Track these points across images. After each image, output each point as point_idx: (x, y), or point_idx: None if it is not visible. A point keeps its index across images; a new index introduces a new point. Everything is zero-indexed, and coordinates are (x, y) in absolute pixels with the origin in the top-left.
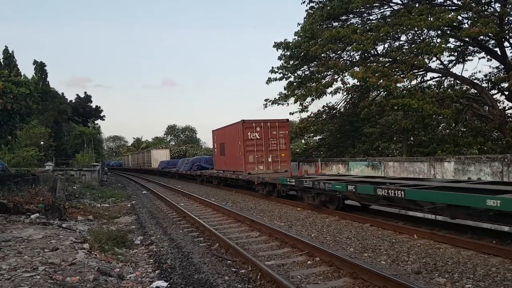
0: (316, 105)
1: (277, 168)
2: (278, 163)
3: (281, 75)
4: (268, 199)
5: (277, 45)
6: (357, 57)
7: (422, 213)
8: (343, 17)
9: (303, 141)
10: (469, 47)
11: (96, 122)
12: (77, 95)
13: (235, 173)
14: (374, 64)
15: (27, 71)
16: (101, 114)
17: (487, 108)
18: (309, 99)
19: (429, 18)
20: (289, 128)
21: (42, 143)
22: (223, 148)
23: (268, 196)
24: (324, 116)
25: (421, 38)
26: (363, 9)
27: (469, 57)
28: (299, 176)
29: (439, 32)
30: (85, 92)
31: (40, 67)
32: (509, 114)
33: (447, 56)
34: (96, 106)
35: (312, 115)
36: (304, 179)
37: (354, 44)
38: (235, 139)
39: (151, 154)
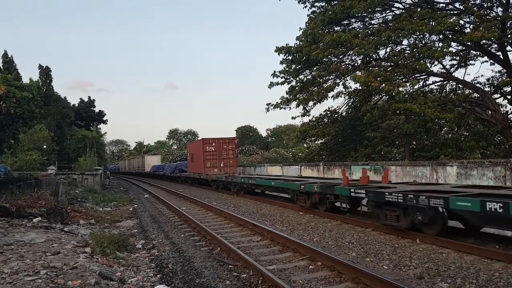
0: (318, 109)
1: (226, 171)
2: (228, 167)
3: (283, 79)
4: (271, 203)
5: (279, 50)
6: (359, 61)
7: None
8: (345, 22)
9: (305, 145)
10: (471, 51)
11: (99, 126)
12: (81, 99)
13: (199, 174)
14: (376, 68)
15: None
16: (104, 118)
17: (489, 112)
18: (311, 103)
19: (431, 23)
20: (235, 143)
21: (44, 147)
22: (192, 157)
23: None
24: (326, 120)
25: (423, 42)
26: (364, 14)
27: (471, 61)
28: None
29: (441, 36)
30: (89, 97)
31: (45, 72)
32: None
33: (449, 60)
34: (99, 110)
35: (314, 119)
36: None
37: (356, 48)
38: (199, 151)
39: (145, 159)
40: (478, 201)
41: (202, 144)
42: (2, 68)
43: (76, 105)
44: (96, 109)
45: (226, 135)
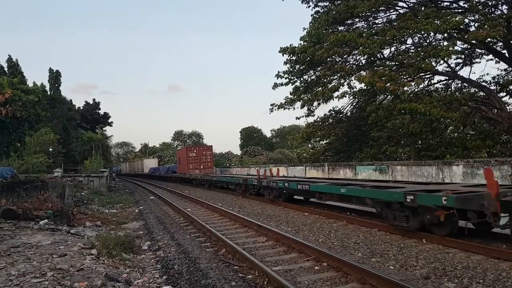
0: (322, 109)
1: (205, 171)
2: (206, 169)
3: (287, 80)
4: (274, 204)
5: (283, 50)
6: (364, 61)
7: None
8: (349, 21)
9: (309, 145)
10: (477, 49)
11: (104, 128)
12: (86, 101)
13: (184, 174)
14: (381, 68)
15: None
16: (109, 121)
17: (495, 111)
18: (315, 103)
19: (436, 22)
20: (212, 150)
21: (51, 149)
22: (179, 160)
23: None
24: (331, 121)
25: (428, 41)
26: (368, 13)
27: (477, 60)
28: None
29: (445, 35)
30: (94, 99)
31: (54, 76)
32: None
33: (454, 59)
34: (104, 112)
35: (318, 119)
36: None
37: (361, 48)
38: (184, 156)
39: (143, 162)
40: None
41: (186, 151)
42: (7, 72)
43: (82, 107)
44: (101, 112)
45: (230, 136)
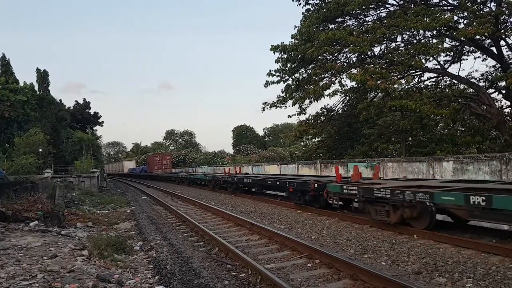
0: (314, 107)
1: (166, 171)
2: (167, 169)
3: (279, 78)
4: (268, 202)
5: (274, 48)
6: (354, 59)
7: None
8: (339, 19)
9: (302, 143)
10: (465, 46)
11: (94, 128)
12: (76, 101)
13: (151, 173)
14: (372, 66)
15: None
16: (100, 120)
17: (484, 107)
18: (307, 101)
19: (425, 19)
20: (171, 156)
21: (40, 150)
22: (149, 163)
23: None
24: (323, 118)
25: (418, 39)
26: (359, 11)
27: (465, 57)
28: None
29: (435, 32)
30: (84, 99)
31: (42, 75)
32: (506, 113)
33: (443, 56)
34: (95, 112)
35: (310, 117)
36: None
37: (351, 46)
38: (152, 160)
39: (123, 163)
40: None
41: (152, 157)
42: (0, 71)
43: (72, 107)
44: (91, 111)
45: (223, 134)
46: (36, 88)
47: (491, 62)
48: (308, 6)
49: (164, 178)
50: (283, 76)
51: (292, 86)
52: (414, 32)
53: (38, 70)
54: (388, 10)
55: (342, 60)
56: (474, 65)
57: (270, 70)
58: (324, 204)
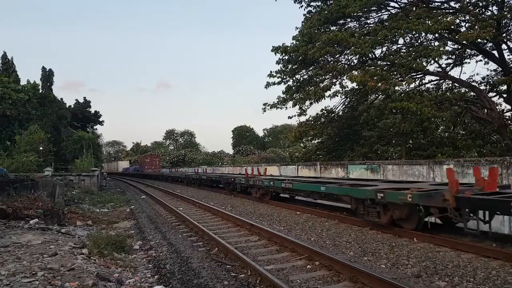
0: (314, 109)
1: (155, 170)
2: (156, 168)
3: (280, 79)
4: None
5: (275, 49)
6: (355, 61)
7: None
8: (341, 21)
9: (301, 144)
10: (467, 50)
11: (95, 127)
12: (76, 100)
13: (143, 172)
14: (372, 67)
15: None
16: (100, 119)
17: (485, 110)
18: (307, 102)
19: (427, 22)
20: (160, 157)
21: (41, 148)
22: (141, 163)
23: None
24: (323, 120)
25: (419, 41)
26: (360, 13)
27: (467, 60)
28: None
29: (437, 35)
30: (85, 98)
31: (47, 74)
32: (507, 117)
33: (445, 59)
34: (95, 111)
35: (310, 118)
36: None
37: (352, 47)
38: (143, 160)
39: (118, 163)
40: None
41: (143, 158)
42: (1, 69)
43: (72, 106)
44: (92, 110)
45: (223, 135)
46: (40, 86)
47: (492, 65)
48: (309, 8)
49: (153, 177)
50: (284, 77)
51: (293, 87)
52: (416, 35)
53: (43, 68)
54: (389, 13)
55: (343, 61)
56: (476, 69)
57: (271, 71)
58: None
